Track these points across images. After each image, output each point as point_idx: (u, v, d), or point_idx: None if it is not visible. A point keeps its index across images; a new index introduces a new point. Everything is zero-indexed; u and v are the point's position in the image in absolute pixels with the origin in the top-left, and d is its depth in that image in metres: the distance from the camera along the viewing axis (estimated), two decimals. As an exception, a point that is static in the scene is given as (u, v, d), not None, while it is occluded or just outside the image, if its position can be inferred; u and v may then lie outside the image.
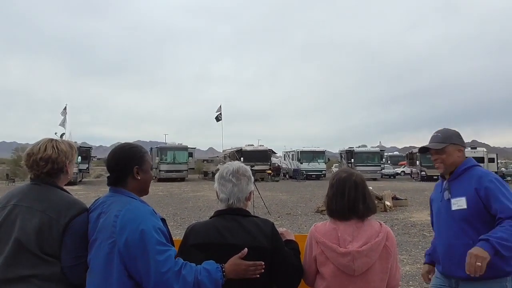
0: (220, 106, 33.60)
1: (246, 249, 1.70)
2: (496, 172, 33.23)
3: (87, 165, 30.51)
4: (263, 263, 1.70)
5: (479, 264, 1.91)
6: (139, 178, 1.81)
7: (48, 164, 1.85)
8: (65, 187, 1.95)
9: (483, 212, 2.19)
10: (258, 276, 1.69)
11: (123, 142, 1.96)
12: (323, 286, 1.85)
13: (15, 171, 33.28)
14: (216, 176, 1.92)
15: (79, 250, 1.75)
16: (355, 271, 1.78)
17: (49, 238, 1.73)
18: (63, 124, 30.03)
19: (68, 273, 1.73)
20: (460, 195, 2.27)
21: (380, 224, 1.91)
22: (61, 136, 27.07)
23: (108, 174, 1.86)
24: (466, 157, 2.44)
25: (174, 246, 1.73)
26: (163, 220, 1.77)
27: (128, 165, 1.79)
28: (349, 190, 1.89)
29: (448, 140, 2.43)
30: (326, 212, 2.00)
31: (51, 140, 1.93)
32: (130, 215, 1.64)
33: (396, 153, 51.95)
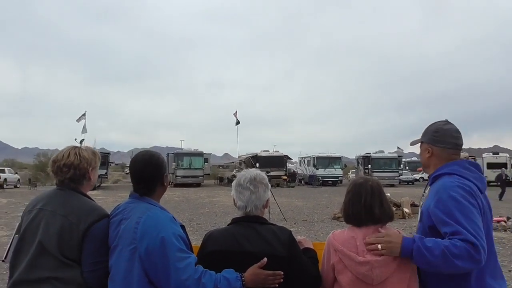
0: (236, 111, 33.83)
1: (265, 259, 1.69)
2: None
3: (105, 171, 31.08)
4: (282, 273, 1.69)
5: (379, 247, 1.74)
6: (165, 184, 1.88)
7: (70, 170, 1.93)
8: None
9: (435, 230, 1.79)
10: (277, 285, 1.68)
11: (141, 148, 1.99)
12: None
13: (37, 176, 34.22)
14: (234, 183, 1.92)
15: (99, 255, 1.79)
16: (374, 280, 1.76)
17: (69, 242, 1.79)
18: (83, 130, 30.79)
19: (88, 278, 1.78)
20: (423, 207, 1.93)
21: (399, 232, 1.87)
22: (81, 142, 27.75)
23: (133, 182, 1.87)
24: (462, 158, 1.99)
25: (193, 252, 1.73)
26: (183, 227, 1.78)
27: (159, 174, 1.85)
28: (365, 195, 1.88)
29: (422, 136, 2.06)
30: (343, 219, 1.99)
31: (75, 147, 2.02)
32: (151, 222, 1.66)
33: (414, 158, 50.86)
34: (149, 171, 1.83)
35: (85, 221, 1.81)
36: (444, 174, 1.90)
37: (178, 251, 1.60)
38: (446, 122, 2.04)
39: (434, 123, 2.05)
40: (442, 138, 1.97)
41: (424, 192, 2.07)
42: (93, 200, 1.97)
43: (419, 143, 2.08)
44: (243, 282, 1.65)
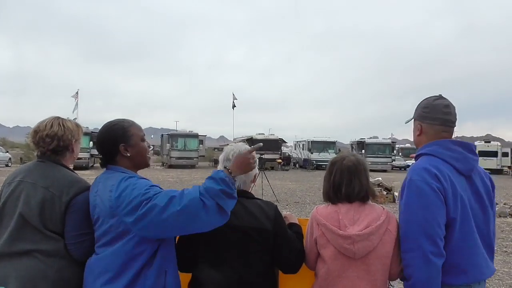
0: (233, 94, 33.58)
1: (261, 144, 1.78)
2: (509, 167, 32.79)
3: (99, 150, 30.86)
4: (261, 144, 1.74)
5: None
6: (128, 154, 1.78)
7: (54, 141, 1.87)
8: (78, 172, 1.99)
9: None
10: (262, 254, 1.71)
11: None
12: (324, 269, 1.85)
13: (29, 155, 33.92)
14: (221, 157, 1.92)
15: (82, 227, 1.78)
16: (356, 254, 1.78)
17: (51, 214, 1.77)
18: (75, 109, 30.40)
19: (72, 250, 1.77)
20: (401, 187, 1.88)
21: (383, 208, 1.90)
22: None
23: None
24: (448, 138, 1.84)
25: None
26: None
27: (113, 145, 1.77)
28: (335, 173, 1.90)
29: (414, 113, 1.95)
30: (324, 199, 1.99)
31: (58, 118, 1.95)
32: (123, 186, 1.63)
33: (408, 145, 51.29)
34: (101, 144, 1.79)
35: (67, 193, 1.78)
36: (422, 154, 1.85)
37: (153, 186, 1.60)
38: (438, 97, 1.90)
39: (425, 98, 1.92)
40: (430, 114, 1.86)
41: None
42: (75, 172, 1.93)
43: (409, 120, 2.01)
44: (229, 170, 1.65)
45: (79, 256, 1.77)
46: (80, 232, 1.78)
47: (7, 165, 31.65)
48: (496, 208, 10.82)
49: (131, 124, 1.83)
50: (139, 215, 1.56)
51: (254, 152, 1.75)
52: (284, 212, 2.01)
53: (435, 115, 1.85)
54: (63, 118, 1.97)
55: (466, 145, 1.83)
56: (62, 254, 1.76)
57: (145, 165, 1.88)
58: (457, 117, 1.90)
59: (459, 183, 1.74)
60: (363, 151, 34.70)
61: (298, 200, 13.29)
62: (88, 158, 27.67)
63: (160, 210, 1.53)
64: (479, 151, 33.64)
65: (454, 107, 1.89)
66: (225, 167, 1.69)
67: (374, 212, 1.86)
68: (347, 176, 1.88)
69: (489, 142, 36.21)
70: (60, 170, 1.88)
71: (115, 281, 1.61)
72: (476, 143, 36.13)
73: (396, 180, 18.16)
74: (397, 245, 1.85)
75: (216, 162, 38.21)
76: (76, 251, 1.77)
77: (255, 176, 1.93)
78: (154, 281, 1.63)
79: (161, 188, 1.66)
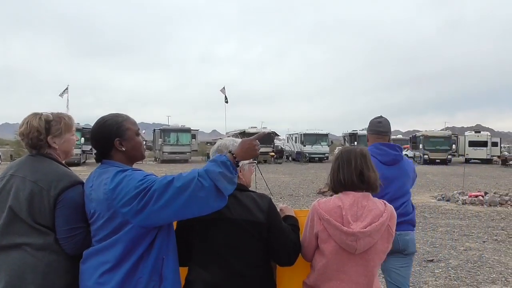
0: (224, 88, 33.38)
1: (268, 129, 1.72)
2: (498, 156, 33.31)
3: (90, 146, 30.60)
4: (268, 131, 1.70)
5: None
6: (123, 149, 1.78)
7: (25, 139, 1.92)
8: (71, 168, 1.99)
9: None
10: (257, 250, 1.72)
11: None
12: (322, 262, 1.85)
13: (19, 152, 33.49)
14: (212, 149, 1.90)
15: (73, 222, 1.78)
16: (357, 250, 1.78)
17: (40, 208, 1.77)
18: (66, 105, 30.03)
19: (64, 244, 1.77)
20: None
21: (385, 203, 1.89)
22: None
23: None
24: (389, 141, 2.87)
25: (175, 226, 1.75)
26: None
27: (108, 140, 1.76)
28: (355, 158, 1.90)
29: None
30: (330, 191, 1.99)
31: (34, 115, 1.95)
32: (118, 178, 1.63)
33: (399, 136, 51.75)
34: (96, 140, 1.79)
35: (55, 187, 1.79)
36: None
37: (149, 175, 1.60)
38: (378, 117, 2.94)
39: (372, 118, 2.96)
40: (370, 128, 2.94)
41: None
42: (66, 167, 1.93)
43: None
44: (233, 155, 1.65)
45: (71, 251, 1.77)
46: (71, 227, 1.78)
47: (-4, 163, 31.28)
48: (487, 197, 11.01)
49: (125, 118, 1.82)
50: (139, 207, 1.56)
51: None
52: (280, 205, 2.01)
53: (372, 128, 2.93)
54: (35, 115, 1.96)
55: (391, 146, 2.81)
56: (52, 248, 1.77)
57: (141, 157, 1.88)
58: (390, 127, 2.93)
59: (380, 169, 2.19)
60: (355, 143, 34.94)
61: (292, 192, 13.37)
62: (80, 154, 27.44)
63: (158, 196, 1.54)
64: (469, 141, 34.29)
65: (386, 121, 2.92)
66: (229, 151, 1.68)
67: (377, 208, 1.84)
68: (369, 162, 1.92)
69: (479, 132, 36.70)
70: (50, 164, 1.89)
71: (115, 271, 1.62)
72: (466, 133, 36.62)
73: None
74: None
75: (209, 156, 38.18)
76: (67, 245, 1.77)
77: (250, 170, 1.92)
78: (151, 269, 1.63)
79: (156, 176, 1.66)
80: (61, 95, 31.32)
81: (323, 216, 1.82)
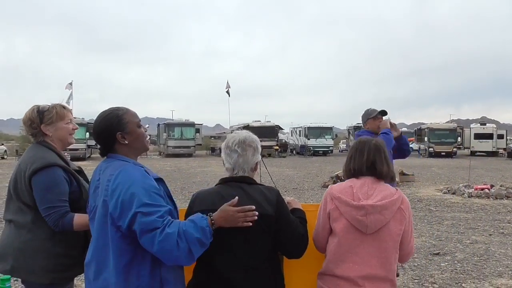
0: (228, 82, 33.35)
1: (237, 197, 1.69)
2: (504, 149, 32.99)
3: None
4: (254, 207, 1.68)
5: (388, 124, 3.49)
6: (126, 142, 1.76)
7: (24, 128, 2.19)
8: (75, 163, 2.27)
9: None
10: (251, 224, 1.68)
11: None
12: (335, 242, 1.85)
13: (24, 147, 33.75)
14: (223, 145, 1.90)
15: (47, 202, 1.96)
16: (368, 228, 1.78)
17: (21, 187, 2.02)
18: (68, 100, 30.10)
19: (48, 222, 1.97)
20: None
21: (396, 189, 1.91)
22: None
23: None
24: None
25: (173, 203, 1.74)
26: (160, 180, 1.74)
27: (109, 135, 1.75)
28: (369, 150, 1.92)
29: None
30: (343, 176, 2.04)
31: (32, 107, 2.17)
32: (121, 178, 1.62)
33: (404, 129, 51.48)
34: (98, 134, 1.78)
35: (29, 168, 1.99)
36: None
37: (145, 206, 1.57)
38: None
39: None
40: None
41: None
42: (55, 153, 2.09)
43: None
44: (212, 221, 1.65)
45: (53, 228, 1.98)
46: (45, 206, 1.97)
47: (2, 158, 31.53)
48: (493, 190, 10.94)
49: (126, 111, 1.81)
50: (124, 228, 1.59)
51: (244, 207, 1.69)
52: (287, 198, 2.00)
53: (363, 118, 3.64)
54: (33, 107, 2.16)
55: (367, 132, 3.47)
56: (28, 227, 2.01)
57: (145, 149, 1.88)
58: (364, 117, 3.63)
59: None
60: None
61: (296, 186, 13.37)
62: (85, 149, 27.60)
63: (143, 231, 1.56)
64: (475, 134, 34.02)
65: (364, 112, 3.65)
66: (209, 216, 1.66)
67: (388, 189, 1.87)
68: (383, 154, 1.93)
69: (484, 124, 36.37)
70: (39, 149, 2.10)
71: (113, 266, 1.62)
72: (471, 125, 36.31)
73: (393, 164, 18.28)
74: (410, 227, 1.87)
75: (213, 150, 38.65)
76: (50, 223, 1.97)
77: (256, 164, 1.91)
78: (152, 263, 1.63)
79: (157, 189, 1.64)
80: (67, 88, 31.43)
81: (335, 195, 1.87)
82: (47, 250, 2.01)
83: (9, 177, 2.18)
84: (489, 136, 33.67)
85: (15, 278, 2.21)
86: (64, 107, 2.23)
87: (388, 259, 1.82)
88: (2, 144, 34.14)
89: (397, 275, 4.51)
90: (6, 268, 2.03)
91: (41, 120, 2.12)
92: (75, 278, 2.22)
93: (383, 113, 3.54)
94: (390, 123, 3.48)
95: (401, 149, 3.56)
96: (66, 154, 2.30)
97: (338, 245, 1.84)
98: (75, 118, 2.24)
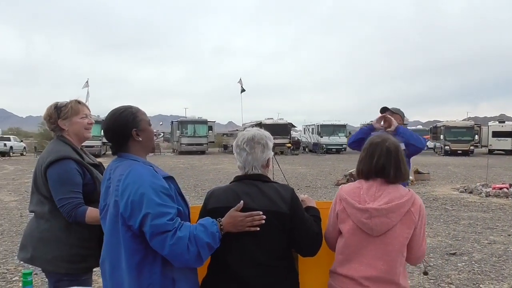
0: (240, 79, 33.38)
1: (242, 202, 1.70)
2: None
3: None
4: (261, 212, 1.69)
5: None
6: (140, 139, 1.79)
7: (45, 124, 2.32)
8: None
9: None
10: (258, 229, 1.68)
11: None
12: (342, 243, 1.86)
13: (43, 144, 34.55)
14: (234, 143, 1.90)
15: (60, 193, 2.06)
16: (373, 231, 1.77)
17: (39, 180, 2.14)
18: (87, 98, 30.67)
19: (62, 212, 2.06)
20: None
21: (409, 190, 1.86)
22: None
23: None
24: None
25: (184, 201, 1.75)
26: (170, 178, 1.75)
27: (125, 131, 1.77)
28: (379, 155, 1.86)
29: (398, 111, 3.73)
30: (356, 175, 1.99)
31: (51, 104, 2.28)
32: (131, 179, 1.63)
33: (419, 127, 50.63)
34: (112, 131, 1.78)
35: (44, 162, 2.11)
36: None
37: (157, 205, 1.58)
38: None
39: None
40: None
41: None
42: (71, 147, 2.18)
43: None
44: (221, 226, 1.68)
45: (67, 219, 2.06)
46: (58, 198, 2.06)
47: (22, 154, 32.34)
48: (506, 190, 10.66)
49: (138, 109, 1.85)
50: (136, 228, 1.60)
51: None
52: (301, 196, 1.98)
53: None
54: (54, 104, 2.27)
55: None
56: (46, 217, 2.13)
57: (152, 149, 1.90)
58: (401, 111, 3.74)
59: None
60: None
61: (309, 184, 13.30)
62: (100, 145, 28.06)
63: (154, 233, 1.57)
64: (493, 132, 33.23)
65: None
66: (218, 221, 1.69)
67: (397, 191, 1.82)
68: (394, 159, 1.85)
69: (503, 122, 35.46)
70: (56, 143, 2.21)
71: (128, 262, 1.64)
72: (489, 123, 35.46)
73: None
74: (422, 229, 1.82)
75: (225, 147, 38.83)
76: (64, 214, 2.05)
77: (268, 160, 1.89)
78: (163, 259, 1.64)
79: (166, 189, 1.64)
80: (84, 86, 32.07)
81: (343, 196, 1.87)
82: (62, 240, 2.09)
83: (28, 173, 2.27)
84: (508, 134, 32.81)
85: (39, 269, 2.34)
86: (79, 102, 2.30)
87: (394, 262, 1.79)
88: (21, 141, 34.97)
89: (425, 274, 4.46)
90: (26, 257, 2.15)
91: (58, 116, 2.23)
92: (95, 274, 2.26)
93: (383, 111, 3.44)
94: (385, 117, 3.27)
95: (408, 144, 3.10)
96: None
97: (345, 246, 1.84)
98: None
